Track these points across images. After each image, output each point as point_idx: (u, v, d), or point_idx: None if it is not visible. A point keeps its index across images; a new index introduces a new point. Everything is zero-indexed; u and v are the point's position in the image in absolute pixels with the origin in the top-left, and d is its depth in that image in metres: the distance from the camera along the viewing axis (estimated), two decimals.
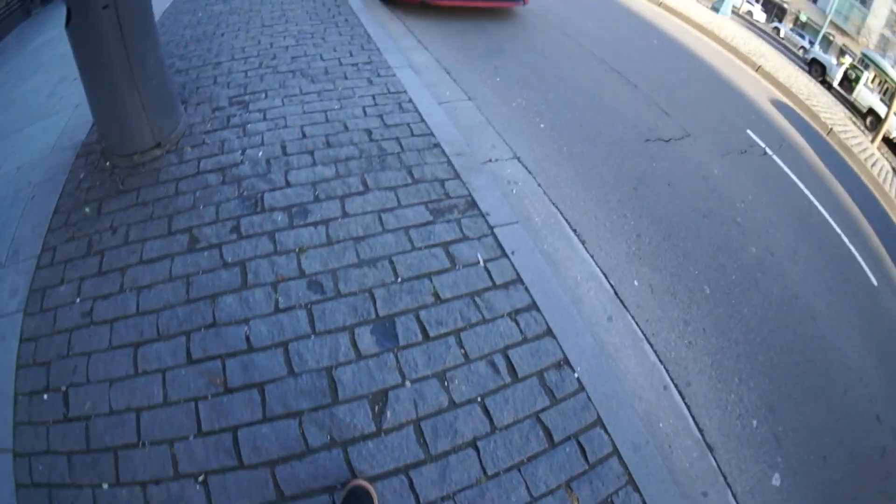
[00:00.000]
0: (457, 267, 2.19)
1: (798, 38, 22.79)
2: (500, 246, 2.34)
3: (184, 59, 3.93)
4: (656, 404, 2.00)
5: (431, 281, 2.12)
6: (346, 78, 3.49)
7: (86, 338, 1.89)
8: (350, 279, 2.07)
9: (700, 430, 2.03)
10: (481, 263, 2.23)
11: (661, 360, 2.23)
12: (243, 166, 2.60)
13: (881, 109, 12.47)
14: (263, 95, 3.26)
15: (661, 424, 1.94)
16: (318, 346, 1.84)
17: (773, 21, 27.72)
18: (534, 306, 2.09)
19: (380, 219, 2.33)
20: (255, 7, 4.90)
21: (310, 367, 1.78)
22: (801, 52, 19.36)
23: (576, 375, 1.88)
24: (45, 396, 1.75)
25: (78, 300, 2.03)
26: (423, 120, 3.06)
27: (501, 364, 1.87)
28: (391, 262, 2.16)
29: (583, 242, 2.71)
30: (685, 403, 2.10)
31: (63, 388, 1.76)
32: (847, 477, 2.25)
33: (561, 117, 3.82)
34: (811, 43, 21.42)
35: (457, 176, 2.66)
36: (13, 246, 2.37)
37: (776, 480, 2.04)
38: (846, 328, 3.19)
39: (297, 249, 2.16)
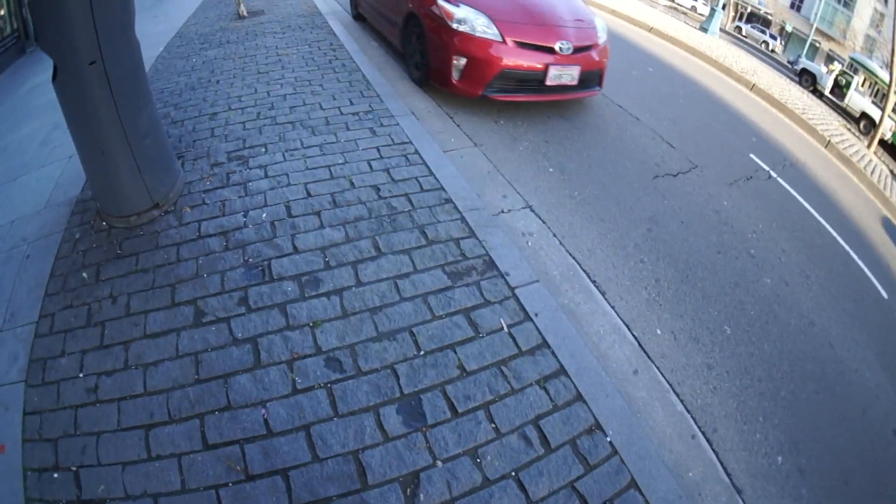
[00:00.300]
0: (480, 335, 2.09)
1: (759, 33, 23.97)
2: (522, 308, 2.24)
3: (179, 108, 3.87)
4: (685, 454, 1.93)
5: (455, 352, 2.01)
6: (348, 129, 3.43)
7: (93, 416, 1.77)
8: (370, 355, 1.95)
9: (728, 475, 1.96)
10: (505, 329, 2.13)
11: (687, 409, 2.16)
12: (247, 230, 2.49)
13: (874, 112, 12.62)
14: (263, 150, 3.18)
15: (690, 474, 1.87)
16: (342, 428, 1.72)
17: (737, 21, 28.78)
18: (562, 371, 2.00)
19: (396, 286, 2.22)
20: (250, 53, 4.88)
21: (335, 452, 1.66)
22: (788, 64, 19.84)
23: (608, 439, 1.80)
24: (56, 475, 1.63)
25: (81, 375, 1.91)
26: (431, 173, 2.98)
27: (534, 435, 1.77)
28: (412, 334, 2.04)
29: (603, 294, 2.61)
30: (713, 450, 2.03)
31: (74, 468, 1.64)
32: (868, 496, 2.24)
33: (568, 159, 3.77)
34: (773, 37, 22.16)
35: (472, 234, 2.56)
36: (10, 308, 2.26)
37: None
38: (861, 349, 3.16)
39: (311, 323, 2.04)
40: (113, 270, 2.32)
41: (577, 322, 2.33)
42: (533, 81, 3.87)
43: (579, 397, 1.90)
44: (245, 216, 2.58)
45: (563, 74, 3.86)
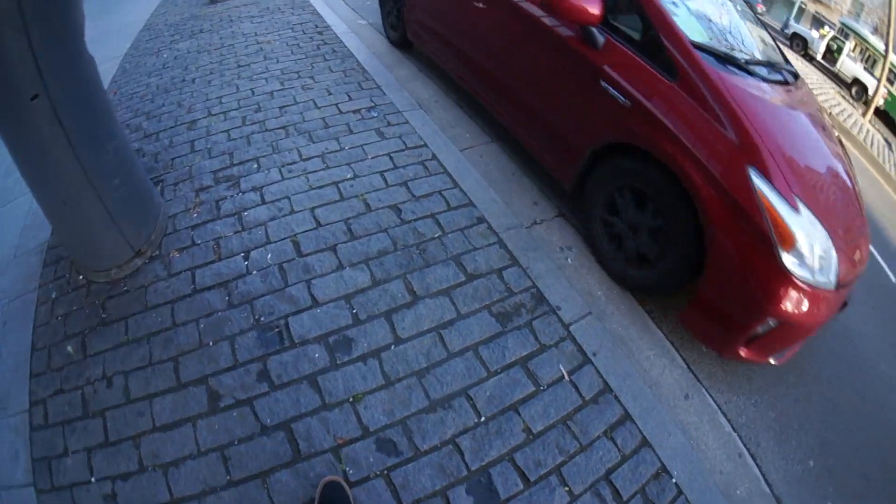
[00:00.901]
0: (542, 388, 1.83)
1: None
2: (580, 349, 1.98)
3: (152, 118, 3.37)
4: (734, 473, 1.88)
5: (519, 413, 1.75)
6: (350, 131, 2.99)
7: None
8: (426, 430, 1.66)
9: (769, 485, 1.93)
10: (566, 378, 1.88)
11: (734, 429, 2.08)
12: (251, 278, 2.11)
13: (865, 77, 12.50)
14: (255, 165, 2.75)
15: (738, 491, 1.82)
16: None
17: None
18: (627, 416, 1.83)
19: (441, 339, 1.89)
20: (227, 43, 4.30)
21: None
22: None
23: (673, 481, 1.70)
24: None
25: (93, 479, 1.59)
26: (455, 184, 2.59)
27: (606, 492, 1.64)
28: (469, 398, 1.75)
29: (649, 313, 2.34)
30: (756, 465, 1.98)
31: None
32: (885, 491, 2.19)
33: None
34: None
35: (514, 261, 2.22)
36: None
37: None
38: (885, 347, 3.04)
39: (350, 398, 1.71)
40: (101, 342, 1.94)
41: (629, 352, 2.10)
42: None
43: (645, 442, 1.78)
44: (246, 259, 2.19)
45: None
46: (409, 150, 2.83)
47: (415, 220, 2.36)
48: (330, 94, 3.38)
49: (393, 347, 1.85)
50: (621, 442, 1.76)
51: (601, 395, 1.86)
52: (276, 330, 1.91)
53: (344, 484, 1.51)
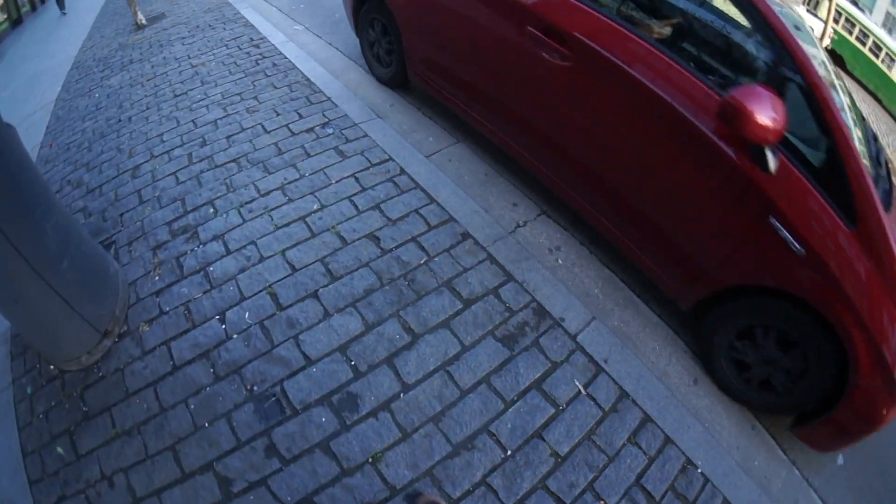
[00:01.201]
0: (561, 408, 1.80)
1: None
2: (591, 359, 1.95)
3: (92, 169, 3.11)
4: (749, 446, 1.92)
5: (544, 439, 1.72)
6: (308, 154, 2.80)
7: None
8: (455, 476, 1.60)
9: (783, 451, 1.98)
10: (583, 392, 1.85)
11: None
12: (233, 343, 1.95)
13: (809, 19, 12.72)
14: (211, 210, 2.54)
15: (756, 462, 1.87)
16: None
17: None
18: (647, 418, 1.83)
19: (450, 377, 1.81)
20: (159, 71, 3.96)
21: None
22: None
23: (699, 471, 1.73)
24: None
25: None
26: (431, 198, 2.46)
27: (640, 497, 1.66)
28: (491, 434, 1.70)
29: (647, 303, 2.32)
30: (769, 434, 2.02)
31: None
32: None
33: None
34: None
35: (509, 276, 2.14)
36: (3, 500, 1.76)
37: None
38: None
39: (370, 459, 1.63)
40: (90, 439, 1.78)
41: (636, 348, 2.10)
42: None
43: (668, 440, 1.80)
44: (222, 321, 2.03)
45: None
46: (375, 166, 2.68)
47: (396, 247, 2.24)
48: (278, 114, 3.16)
49: (402, 396, 1.77)
50: (645, 444, 1.76)
51: (619, 401, 1.86)
52: (274, 399, 1.79)
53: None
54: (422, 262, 2.18)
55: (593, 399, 1.84)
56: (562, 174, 2.32)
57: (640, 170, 1.97)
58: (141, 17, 5.42)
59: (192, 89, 3.59)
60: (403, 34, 2.92)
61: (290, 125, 3.04)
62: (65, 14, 11.98)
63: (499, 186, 2.70)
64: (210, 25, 4.79)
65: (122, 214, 2.66)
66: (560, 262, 2.38)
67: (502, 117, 2.50)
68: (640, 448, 1.75)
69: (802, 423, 1.87)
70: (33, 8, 14.62)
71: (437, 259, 2.19)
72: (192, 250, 2.34)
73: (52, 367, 2.04)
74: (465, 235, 2.30)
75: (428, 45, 2.81)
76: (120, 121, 3.50)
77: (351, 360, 1.86)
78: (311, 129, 2.99)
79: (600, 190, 2.17)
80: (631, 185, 2.04)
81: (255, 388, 1.82)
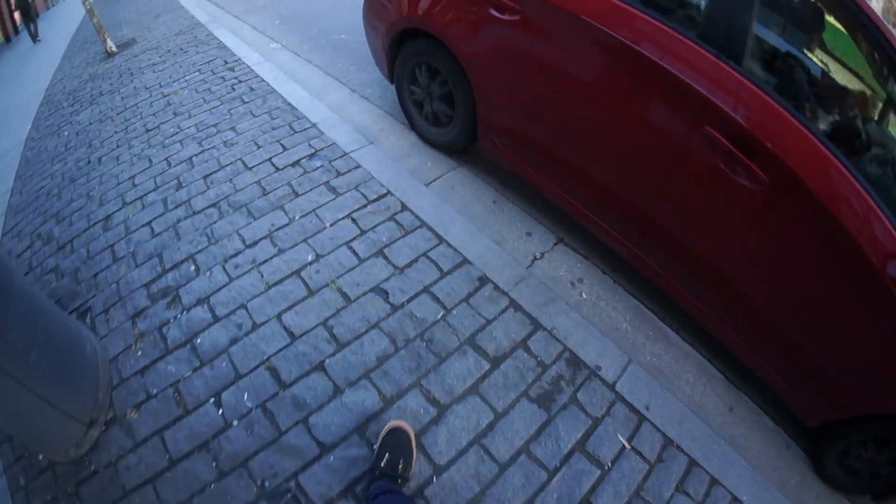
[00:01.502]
0: (607, 468, 1.59)
1: None
2: (632, 408, 1.73)
3: (62, 221, 2.82)
4: (784, 466, 1.84)
5: None
6: (296, 193, 2.52)
7: None
8: None
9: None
10: (627, 447, 1.64)
11: (777, 424, 1.98)
12: (234, 432, 1.69)
13: None
14: (192, 267, 2.26)
15: (791, 481, 1.80)
16: None
17: None
18: (692, 462, 1.66)
19: (485, 451, 1.56)
20: (130, 103, 3.66)
21: None
22: None
23: None
24: None
25: None
26: (440, 238, 2.19)
27: None
28: None
29: (676, 331, 2.11)
30: (801, 449, 1.93)
31: None
32: None
33: None
34: None
35: (536, 324, 1.89)
36: None
37: None
38: None
39: None
40: None
41: (671, 384, 1.91)
42: None
43: (714, 482, 1.64)
44: (218, 405, 1.76)
45: None
46: (373, 203, 2.40)
47: (407, 301, 1.97)
48: (259, 146, 2.87)
49: (435, 480, 1.51)
50: (693, 490, 1.60)
51: (664, 450, 1.67)
52: (290, 495, 1.53)
53: (408, 429, 1.55)
54: (439, 317, 1.91)
55: (638, 453, 1.64)
56: (726, 317, 1.83)
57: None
58: (111, 45, 5.14)
59: (164, 122, 3.29)
60: (479, 99, 2.21)
61: (274, 159, 2.75)
62: (39, 41, 11.70)
63: (509, 214, 2.44)
64: (182, 49, 4.48)
65: (95, 275, 2.37)
66: (584, 295, 2.13)
67: (649, 238, 1.88)
68: (689, 496, 1.59)
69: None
70: (7, 39, 14.19)
71: (454, 312, 1.92)
72: (174, 318, 2.07)
73: (41, 457, 1.79)
74: (484, 280, 2.03)
75: (504, 110, 2.13)
76: (90, 162, 3.21)
77: (372, 443, 1.60)
78: (296, 163, 2.70)
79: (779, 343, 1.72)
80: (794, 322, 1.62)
81: (267, 483, 1.56)
